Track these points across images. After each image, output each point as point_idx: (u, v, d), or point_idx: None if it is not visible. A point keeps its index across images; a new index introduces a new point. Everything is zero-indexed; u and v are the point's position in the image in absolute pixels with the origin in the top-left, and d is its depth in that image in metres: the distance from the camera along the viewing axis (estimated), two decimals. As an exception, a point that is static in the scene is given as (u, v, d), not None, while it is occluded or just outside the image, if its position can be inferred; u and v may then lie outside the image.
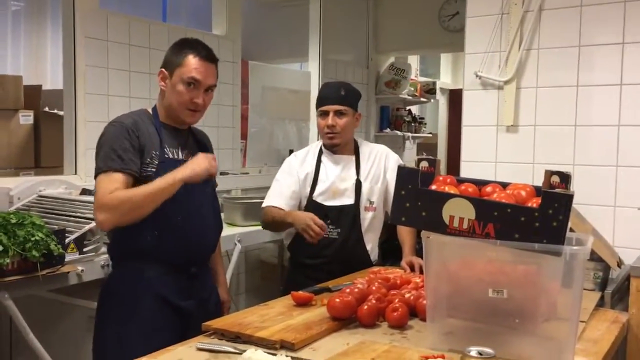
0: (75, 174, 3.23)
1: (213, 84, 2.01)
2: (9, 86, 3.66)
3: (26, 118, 3.73)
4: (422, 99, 6.49)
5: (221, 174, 4.06)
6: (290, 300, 1.92)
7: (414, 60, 6.54)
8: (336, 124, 2.47)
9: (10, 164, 3.59)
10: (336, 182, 2.51)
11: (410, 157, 6.11)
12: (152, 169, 1.92)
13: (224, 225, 3.41)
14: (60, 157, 3.33)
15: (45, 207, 2.72)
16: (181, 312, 1.97)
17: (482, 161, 2.72)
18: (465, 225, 1.49)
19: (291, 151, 3.88)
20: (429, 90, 6.56)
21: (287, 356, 1.44)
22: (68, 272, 2.37)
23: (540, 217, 1.42)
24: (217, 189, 2.21)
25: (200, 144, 2.13)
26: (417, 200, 1.55)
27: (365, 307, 1.74)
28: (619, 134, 2.43)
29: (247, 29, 4.64)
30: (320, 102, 2.52)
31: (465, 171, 2.74)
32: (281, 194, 2.54)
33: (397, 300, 1.78)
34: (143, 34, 3.55)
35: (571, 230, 1.80)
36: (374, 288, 1.90)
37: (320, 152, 2.58)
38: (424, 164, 1.66)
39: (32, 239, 2.19)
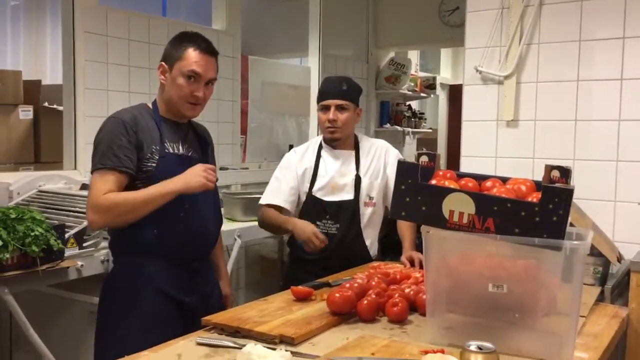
0: (75, 169, 3.23)
1: (213, 77, 2.00)
2: (9, 81, 3.66)
3: (26, 113, 3.73)
4: (422, 94, 6.48)
5: (221, 169, 4.06)
6: (290, 295, 1.92)
7: (414, 56, 6.53)
8: (337, 119, 2.46)
9: (9, 159, 3.59)
10: (335, 177, 2.50)
11: (410, 152, 6.10)
12: (153, 164, 1.92)
13: (224, 220, 3.43)
14: (60, 152, 3.33)
15: (45, 202, 2.72)
16: (183, 306, 1.97)
17: (482, 156, 2.71)
18: (465, 220, 1.49)
19: (291, 146, 3.88)
20: (429, 86, 6.55)
21: (286, 351, 1.44)
22: (68, 267, 2.37)
23: (541, 211, 1.42)
24: (216, 183, 2.21)
25: (201, 138, 2.13)
26: (417, 194, 1.55)
27: (365, 302, 1.74)
28: (620, 129, 2.42)
29: (246, 24, 4.63)
30: (322, 96, 2.51)
31: (465, 166, 2.74)
32: (279, 190, 2.54)
33: (396, 295, 1.79)
34: (142, 29, 3.54)
35: (571, 225, 1.80)
36: (373, 283, 1.90)
37: (320, 147, 2.58)
38: (424, 158, 1.66)
39: (32, 234, 2.19)
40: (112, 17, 3.38)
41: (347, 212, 2.47)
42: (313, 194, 2.50)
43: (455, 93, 7.50)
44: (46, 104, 3.89)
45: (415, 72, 6.51)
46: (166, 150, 1.95)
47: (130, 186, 1.91)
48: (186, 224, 1.97)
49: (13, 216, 2.20)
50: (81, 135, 3.24)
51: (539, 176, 1.67)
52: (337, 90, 2.47)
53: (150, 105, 2.03)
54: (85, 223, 2.46)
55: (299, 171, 2.54)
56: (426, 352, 1.37)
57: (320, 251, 2.38)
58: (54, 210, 2.62)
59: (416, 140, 6.79)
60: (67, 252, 2.39)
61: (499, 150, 2.68)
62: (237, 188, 4.13)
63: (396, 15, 5.66)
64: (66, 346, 2.59)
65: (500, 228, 1.46)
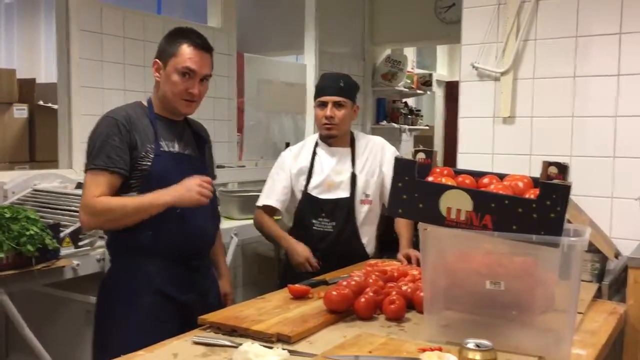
0: (71, 167, 3.21)
1: (208, 73, 1.98)
2: (3, 79, 3.65)
3: (20, 112, 3.72)
4: (419, 91, 6.48)
5: (217, 167, 4.03)
6: (287, 293, 1.91)
7: (410, 53, 6.51)
8: (334, 115, 2.45)
9: (4, 157, 3.57)
10: (331, 175, 2.50)
11: (407, 149, 6.10)
12: (148, 163, 1.91)
13: (221, 219, 3.41)
14: (55, 151, 3.31)
15: (40, 201, 2.71)
16: (181, 305, 1.96)
17: (479, 153, 2.70)
18: (462, 217, 1.48)
19: (287, 144, 3.86)
20: (425, 83, 6.55)
21: (283, 349, 1.44)
22: (63, 267, 2.36)
23: (538, 208, 1.41)
24: (213, 182, 2.19)
25: (198, 136, 2.11)
26: (414, 192, 1.54)
27: (363, 299, 1.73)
28: (616, 125, 2.42)
29: (242, 21, 4.61)
30: (319, 92, 2.50)
31: (462, 163, 2.73)
32: (272, 191, 2.56)
33: (394, 293, 1.78)
34: (137, 27, 3.53)
35: (568, 221, 1.80)
36: (371, 280, 1.89)
37: (316, 145, 2.57)
38: (421, 155, 1.65)
39: (27, 233, 2.18)
40: (106, 14, 3.36)
41: (343, 210, 2.46)
42: (309, 191, 2.50)
43: (451, 90, 7.49)
44: (41, 102, 3.88)
45: (412, 69, 6.50)
46: (161, 149, 1.94)
47: (124, 185, 1.90)
48: (183, 224, 1.95)
49: (8, 215, 2.19)
50: (76, 133, 3.21)
51: (536, 173, 1.67)
52: (335, 86, 2.46)
53: (145, 103, 2.02)
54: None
55: (293, 170, 2.53)
56: (424, 350, 1.37)
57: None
58: (49, 210, 2.61)
59: (413, 137, 6.78)
60: (63, 252, 2.38)
61: (495, 146, 2.68)
62: (234, 186, 4.12)
63: (392, 12, 5.64)
64: (63, 346, 2.58)
65: (498, 225, 1.45)
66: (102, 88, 3.35)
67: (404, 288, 1.85)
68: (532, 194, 1.48)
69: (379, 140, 2.63)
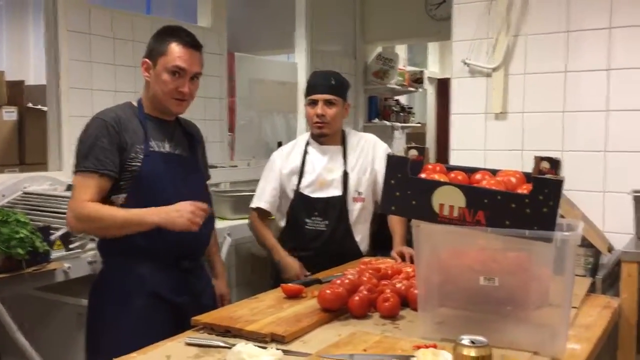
0: (61, 170, 3.19)
1: (198, 71, 1.97)
2: (-9, 82, 3.61)
3: (10, 114, 3.68)
4: (410, 89, 6.48)
5: (209, 167, 4.02)
6: (281, 293, 1.90)
7: (401, 50, 6.51)
8: (325, 114, 2.44)
9: (-6, 160, 3.54)
10: (323, 174, 2.49)
11: (400, 147, 6.10)
12: (138, 164, 1.89)
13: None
14: (45, 153, 3.28)
15: (30, 204, 2.68)
16: (175, 307, 1.94)
17: (472, 149, 2.71)
18: (455, 213, 1.48)
19: (279, 143, 3.85)
20: (417, 80, 6.55)
21: (277, 349, 1.42)
22: (54, 270, 2.34)
23: (531, 203, 1.41)
24: (206, 182, 2.18)
25: (190, 136, 2.09)
26: (406, 189, 1.54)
27: (357, 297, 1.72)
28: (608, 120, 2.42)
29: (233, 21, 4.59)
30: (310, 90, 2.49)
31: (455, 160, 2.73)
32: (262, 194, 2.57)
33: (388, 291, 1.77)
34: (127, 27, 3.50)
35: (561, 216, 1.80)
36: (364, 279, 1.88)
37: (307, 144, 2.56)
38: (413, 152, 1.64)
39: (17, 236, 2.15)
40: (95, 15, 3.33)
41: (335, 208, 2.46)
42: (301, 190, 2.49)
43: (443, 87, 7.50)
44: (30, 104, 3.84)
45: (403, 66, 6.50)
46: (150, 149, 1.92)
47: (114, 187, 1.89)
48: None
49: (-3, 219, 2.17)
50: (66, 135, 3.19)
51: (528, 168, 1.66)
52: (326, 84, 2.45)
53: (135, 103, 2.00)
54: (71, 224, 2.42)
55: (284, 171, 2.53)
56: (418, 347, 1.36)
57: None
58: (39, 212, 2.58)
59: (405, 134, 6.78)
60: (54, 254, 2.36)
61: (488, 142, 2.68)
62: (226, 186, 4.10)
63: (383, 10, 5.64)
64: (55, 349, 2.56)
65: (490, 221, 1.45)
66: (92, 89, 3.32)
67: (398, 286, 1.84)
68: (524, 189, 1.47)
69: (370, 137, 2.62)
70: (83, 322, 2.04)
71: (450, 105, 2.78)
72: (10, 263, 2.16)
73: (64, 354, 2.54)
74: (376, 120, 5.99)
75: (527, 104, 2.58)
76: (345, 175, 2.47)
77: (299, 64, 5.11)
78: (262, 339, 1.52)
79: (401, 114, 6.38)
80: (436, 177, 1.56)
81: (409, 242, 2.41)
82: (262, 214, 2.58)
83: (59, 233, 2.41)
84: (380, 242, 2.73)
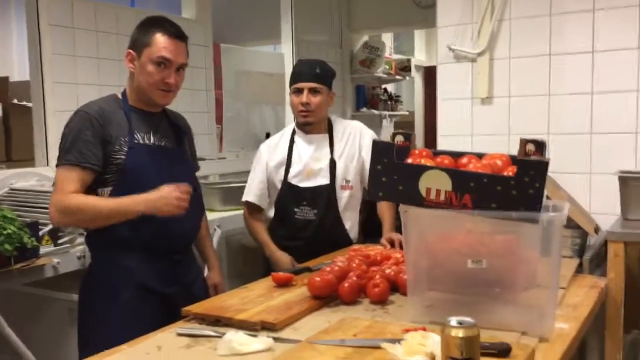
0: (47, 165, 3.16)
1: (184, 62, 1.95)
2: (-25, 79, 3.57)
3: (-6, 111, 3.65)
4: (397, 77, 6.47)
5: (197, 159, 4.00)
6: (271, 281, 1.90)
7: (387, 39, 6.50)
8: (310, 102, 2.43)
9: (-20, 158, 3.51)
10: (310, 163, 2.48)
11: (388, 135, 6.09)
12: (122, 156, 1.88)
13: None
14: (31, 149, 3.25)
15: (17, 200, 2.66)
16: (165, 298, 1.94)
17: (459, 135, 2.71)
18: (442, 197, 1.49)
19: (268, 134, 3.84)
20: (404, 68, 6.54)
21: (268, 337, 1.43)
22: (44, 265, 2.33)
23: (517, 185, 1.41)
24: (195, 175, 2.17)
25: (176, 127, 2.08)
26: (393, 174, 1.54)
27: (346, 284, 1.73)
28: (592, 102, 2.44)
29: (218, 12, 4.56)
30: (295, 79, 2.48)
31: (443, 145, 2.74)
32: (250, 187, 2.59)
33: (377, 276, 1.78)
34: (110, 20, 3.47)
35: (547, 198, 1.81)
36: (354, 265, 1.89)
37: (294, 133, 2.56)
38: (399, 138, 1.65)
39: (4, 232, 2.14)
40: (78, 8, 3.30)
41: (324, 197, 2.46)
42: (289, 180, 2.49)
43: (430, 75, 7.50)
44: (15, 100, 3.81)
45: (390, 55, 6.49)
46: (135, 141, 1.90)
47: (100, 180, 1.88)
48: (163, 217, 1.93)
49: (-16, 215, 2.15)
50: (52, 131, 3.16)
51: (515, 152, 1.67)
52: (311, 73, 2.45)
53: (119, 95, 1.98)
54: (59, 219, 2.41)
55: (270, 163, 2.53)
56: (408, 331, 1.37)
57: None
58: (27, 208, 2.57)
59: (393, 123, 6.78)
60: (42, 250, 2.35)
61: (475, 127, 2.68)
62: (216, 178, 4.09)
63: (369, -1, 5.62)
64: (47, 345, 2.55)
65: (477, 204, 1.46)
66: (76, 83, 3.29)
67: (387, 271, 1.85)
68: (510, 171, 1.48)
69: (356, 124, 2.62)
70: (75, 317, 2.04)
71: (437, 92, 2.78)
72: (-2, 259, 2.14)
73: (56, 350, 2.54)
74: (364, 109, 5.99)
75: (512, 88, 2.59)
76: (333, 163, 2.47)
77: (285, 55, 5.09)
78: (252, 328, 1.52)
79: (389, 102, 6.39)
80: (423, 161, 1.57)
81: (398, 228, 2.42)
82: (254, 207, 2.58)
83: (47, 228, 2.39)
84: (371, 230, 2.74)
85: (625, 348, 2.12)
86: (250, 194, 2.57)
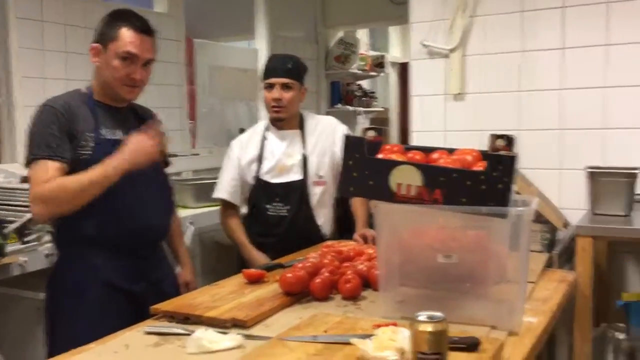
0: (15, 162, 3.10)
1: (151, 57, 1.91)
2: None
3: (-40, 106, 3.55)
4: (372, 73, 6.48)
5: (170, 156, 3.96)
6: (242, 278, 1.89)
7: (363, 35, 6.50)
8: (282, 97, 2.42)
9: (-56, 155, 3.41)
10: (282, 159, 2.47)
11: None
12: (88, 152, 1.84)
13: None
14: (-2, 145, 3.18)
15: (-18, 198, 2.60)
16: (133, 296, 1.90)
17: (432, 130, 2.73)
18: (413, 192, 1.48)
19: (242, 130, 3.79)
20: (379, 64, 6.55)
21: (238, 334, 1.42)
22: (10, 264, 2.27)
23: (486, 180, 1.42)
24: (166, 171, 2.14)
25: (143, 121, 2.04)
26: (364, 169, 1.54)
27: (318, 280, 1.72)
28: (562, 98, 2.47)
29: (191, 6, 4.51)
30: (267, 74, 2.46)
31: (416, 141, 2.75)
32: (221, 184, 2.57)
33: (349, 272, 1.78)
34: (79, 13, 3.41)
35: (517, 193, 1.82)
36: (326, 261, 1.88)
37: (266, 129, 2.54)
38: (371, 133, 1.66)
39: (-32, 230, 2.08)
40: (46, 1, 3.23)
41: (296, 192, 2.44)
42: (261, 177, 2.47)
43: (405, 71, 7.51)
44: (-19, 95, 3.71)
45: (365, 51, 6.49)
46: (101, 137, 1.87)
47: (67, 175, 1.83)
48: (131, 213, 1.90)
49: (-53, 213, 2.09)
50: (20, 126, 3.09)
51: (487, 147, 1.69)
52: (283, 68, 2.43)
53: (85, 90, 1.94)
54: (26, 217, 2.36)
55: (242, 160, 2.51)
56: (379, 326, 1.36)
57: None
58: (-8, 206, 2.51)
59: (369, 119, 6.79)
60: (9, 248, 2.30)
61: (447, 123, 2.70)
62: (189, 174, 4.05)
63: (344, -6, 5.61)
64: (14, 344, 2.50)
65: (447, 198, 1.46)
66: (45, 78, 3.23)
67: (359, 267, 1.85)
68: (480, 166, 1.49)
69: (329, 119, 2.61)
70: (42, 316, 2.00)
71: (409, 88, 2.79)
72: (-38, 258, 2.09)
73: (23, 349, 2.49)
74: (339, 105, 5.98)
75: (484, 84, 2.61)
76: (305, 158, 2.46)
77: (259, 50, 5.06)
78: (223, 325, 1.51)
79: (364, 98, 6.39)
80: (394, 157, 1.56)
81: (372, 224, 2.43)
82: (227, 204, 2.56)
83: (14, 226, 2.34)
84: (347, 226, 2.74)
85: (593, 341, 2.15)
86: (222, 191, 2.54)
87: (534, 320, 1.55)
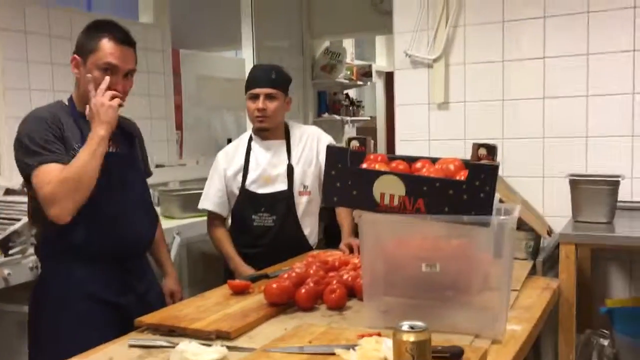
0: (0, 174, 3.07)
1: (132, 68, 1.91)
2: None
3: (-57, 118, 3.52)
4: (359, 82, 6.52)
5: (156, 166, 3.95)
6: (228, 289, 1.88)
7: (349, 44, 6.54)
8: (267, 108, 2.42)
9: None
10: (267, 169, 2.47)
11: (350, 140, 6.11)
12: None
13: (162, 218, 3.32)
14: (-18, 158, 3.15)
15: (-35, 211, 2.57)
16: (119, 308, 1.89)
17: (417, 139, 2.74)
18: (396, 202, 1.49)
19: (229, 140, 3.80)
20: (365, 74, 6.59)
21: (222, 346, 1.41)
22: (-7, 277, 2.25)
23: (468, 189, 1.43)
24: (153, 182, 2.13)
25: (126, 132, 2.04)
26: (347, 179, 1.54)
27: (303, 290, 1.72)
28: (544, 106, 2.49)
29: (177, 17, 4.51)
30: (250, 84, 2.47)
31: (401, 150, 2.76)
32: (207, 194, 2.56)
33: (335, 282, 1.78)
34: (64, 24, 3.39)
35: (501, 201, 1.84)
36: (312, 271, 1.89)
37: (250, 140, 2.54)
38: (355, 143, 1.65)
39: (-50, 244, 2.06)
40: (30, 12, 3.21)
41: (282, 203, 2.44)
42: (246, 187, 2.46)
43: (391, 80, 7.53)
44: (-35, 107, 3.68)
45: (351, 60, 6.53)
46: None
47: None
48: (116, 224, 1.89)
49: None
50: (4, 138, 3.06)
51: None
52: (267, 78, 2.43)
53: (66, 102, 1.94)
54: (10, 229, 2.34)
55: (228, 172, 2.51)
56: (363, 336, 1.37)
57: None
58: (-25, 218, 2.48)
59: (355, 128, 6.82)
60: (-8, 261, 2.27)
61: (431, 133, 2.72)
62: (176, 185, 4.04)
63: (329, 4, 5.64)
64: (-2, 359, 2.47)
65: (430, 208, 1.47)
66: (29, 89, 3.21)
67: (344, 277, 1.85)
68: (462, 175, 1.50)
69: (313, 129, 2.62)
70: (25, 330, 1.97)
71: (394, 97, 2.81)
72: (-57, 272, 2.07)
73: (7, 363, 2.46)
74: (326, 115, 6.00)
75: (468, 94, 2.63)
76: (290, 169, 2.46)
77: (246, 60, 5.07)
78: (207, 337, 1.50)
79: (351, 107, 6.42)
80: (377, 167, 1.57)
81: (357, 234, 2.43)
82: (214, 215, 2.56)
83: (-3, 239, 2.32)
84: (333, 236, 2.74)
85: (578, 348, 2.16)
86: (208, 202, 2.54)
87: (518, 328, 1.56)
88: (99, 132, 1.78)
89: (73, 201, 1.76)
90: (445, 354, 1.27)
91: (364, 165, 1.59)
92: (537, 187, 2.49)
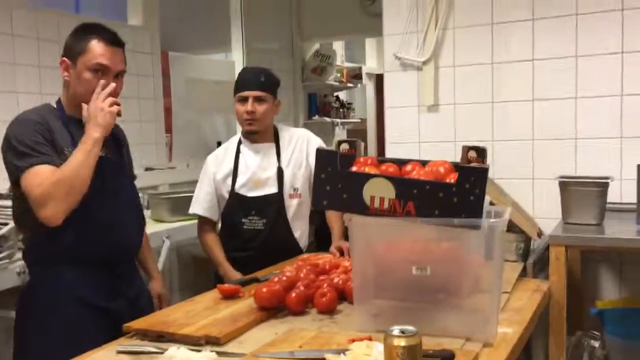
0: (-15, 178, 3.03)
1: (122, 69, 1.89)
2: None
3: None
4: (349, 85, 6.52)
5: (146, 169, 3.93)
6: (217, 294, 1.87)
7: (339, 47, 6.54)
8: (255, 110, 2.41)
9: None
10: (257, 172, 2.46)
11: (341, 143, 6.11)
12: None
13: (152, 222, 3.29)
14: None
15: (-49, 215, 2.54)
16: (109, 314, 1.87)
17: (407, 142, 2.74)
18: (386, 205, 1.49)
19: (219, 143, 3.78)
20: (356, 76, 6.60)
21: (211, 351, 1.40)
22: (-21, 282, 2.22)
23: (458, 192, 1.43)
24: (143, 185, 2.11)
25: (115, 137, 2.02)
26: (337, 182, 1.54)
27: (294, 294, 1.71)
28: (534, 108, 2.50)
29: (166, 20, 4.49)
30: (239, 87, 2.46)
31: (391, 153, 2.76)
32: (197, 198, 2.55)
33: (325, 285, 1.77)
34: (52, 27, 3.37)
35: (492, 204, 1.84)
36: (302, 275, 1.87)
37: (240, 143, 2.53)
38: (345, 146, 1.65)
39: None
40: (17, 15, 3.19)
41: (273, 206, 2.43)
42: (236, 191, 2.45)
43: (382, 82, 7.55)
44: (-49, 110, 3.64)
45: (341, 63, 6.53)
46: None
47: None
48: (106, 228, 1.87)
49: None
50: (-10, 141, 3.04)
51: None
52: (255, 81, 2.42)
53: (54, 105, 1.92)
54: (-3, 234, 2.31)
55: (217, 176, 2.49)
56: (354, 340, 1.36)
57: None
58: (-39, 223, 2.45)
59: (346, 130, 6.82)
60: (-22, 267, 2.24)
61: (422, 135, 2.72)
62: (165, 188, 4.01)
63: (319, 7, 5.64)
64: (-16, 366, 2.43)
65: (420, 211, 1.46)
66: (16, 92, 3.18)
67: (335, 280, 1.84)
68: (452, 178, 1.50)
69: (303, 132, 2.61)
70: (11, 336, 1.95)
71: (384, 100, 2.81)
72: None
73: (-8, 370, 2.43)
74: (316, 117, 6.00)
75: (457, 96, 2.63)
76: (280, 171, 2.45)
77: (236, 63, 5.05)
78: (196, 342, 1.49)
79: (341, 110, 6.42)
80: (367, 170, 1.57)
81: (348, 237, 2.42)
82: (204, 220, 2.54)
83: (-17, 244, 2.29)
84: (324, 238, 2.73)
85: (569, 350, 2.17)
86: (198, 206, 2.53)
87: (509, 330, 1.55)
88: (93, 135, 1.77)
89: (66, 203, 1.74)
90: (437, 358, 1.27)
91: (354, 168, 1.59)
92: (527, 189, 2.49)
